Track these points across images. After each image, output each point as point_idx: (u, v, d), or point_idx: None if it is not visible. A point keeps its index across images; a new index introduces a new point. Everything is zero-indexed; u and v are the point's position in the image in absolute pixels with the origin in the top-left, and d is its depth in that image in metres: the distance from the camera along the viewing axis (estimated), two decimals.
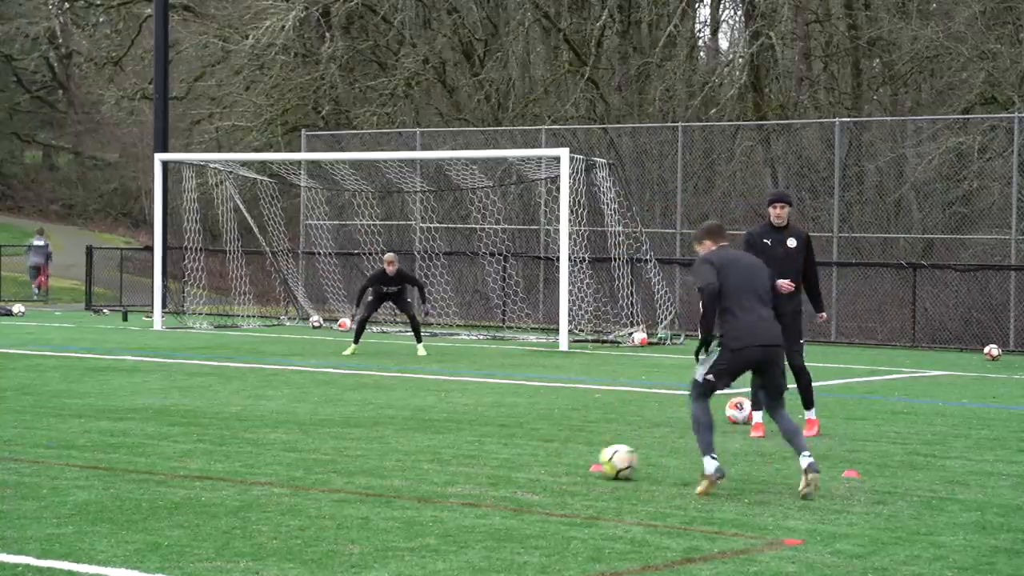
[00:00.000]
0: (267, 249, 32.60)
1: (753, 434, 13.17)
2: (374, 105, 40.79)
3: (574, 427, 13.59)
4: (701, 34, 44.24)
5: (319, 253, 32.44)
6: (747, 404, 14.06)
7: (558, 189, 26.85)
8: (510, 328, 29.86)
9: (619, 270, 27.85)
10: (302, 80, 41.63)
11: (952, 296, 27.77)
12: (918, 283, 27.52)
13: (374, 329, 28.55)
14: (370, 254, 30.96)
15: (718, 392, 10.51)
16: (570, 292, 26.10)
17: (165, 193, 30.45)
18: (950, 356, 24.99)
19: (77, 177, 65.33)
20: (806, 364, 13.37)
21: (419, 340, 23.29)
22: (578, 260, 27.31)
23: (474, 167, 30.00)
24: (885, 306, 28.51)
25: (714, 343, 10.31)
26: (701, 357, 10.32)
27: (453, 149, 32.05)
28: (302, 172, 32.89)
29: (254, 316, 31.96)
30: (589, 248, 27.97)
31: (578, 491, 10.00)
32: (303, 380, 18.22)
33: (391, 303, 23.87)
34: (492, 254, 30.22)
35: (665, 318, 27.65)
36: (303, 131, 35.58)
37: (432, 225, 31.61)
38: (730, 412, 14.07)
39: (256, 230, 32.67)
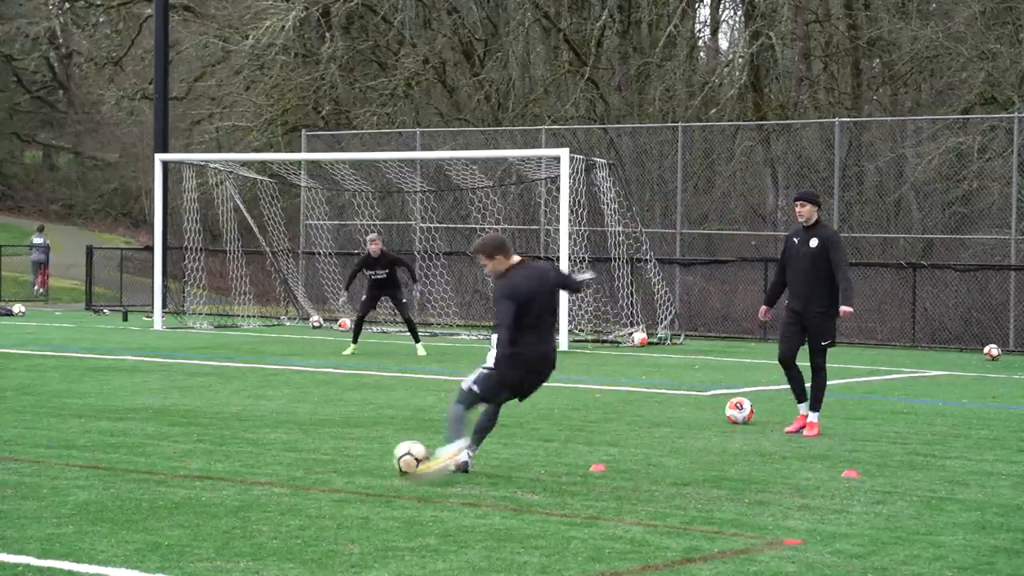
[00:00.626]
0: (267, 249, 32.61)
1: (807, 433, 13.20)
2: (374, 105, 40.80)
3: (574, 427, 13.59)
4: (701, 34, 44.27)
5: (319, 253, 32.45)
6: (747, 404, 14.08)
7: (558, 189, 26.85)
8: None
9: (619, 270, 27.86)
10: (302, 80, 41.64)
11: (952, 296, 27.77)
12: (918, 283, 27.52)
13: (374, 329, 28.56)
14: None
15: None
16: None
17: (165, 193, 30.46)
18: (950, 356, 25.00)
19: (77, 177, 65.34)
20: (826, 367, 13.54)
21: (417, 340, 23.29)
22: (578, 260, 27.31)
23: (474, 167, 30.01)
24: (885, 306, 28.51)
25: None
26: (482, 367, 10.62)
27: (453, 149, 32.05)
28: (302, 172, 32.89)
29: (254, 316, 31.96)
30: (589, 248, 27.97)
31: (578, 491, 10.00)
32: (303, 380, 18.22)
33: (387, 299, 23.73)
34: None
35: (665, 318, 27.65)
36: (303, 131, 35.58)
37: (432, 225, 31.61)
38: (730, 412, 14.08)
39: (256, 230, 32.68)
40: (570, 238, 25.94)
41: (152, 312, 30.09)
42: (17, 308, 34.22)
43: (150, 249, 33.00)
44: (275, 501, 9.43)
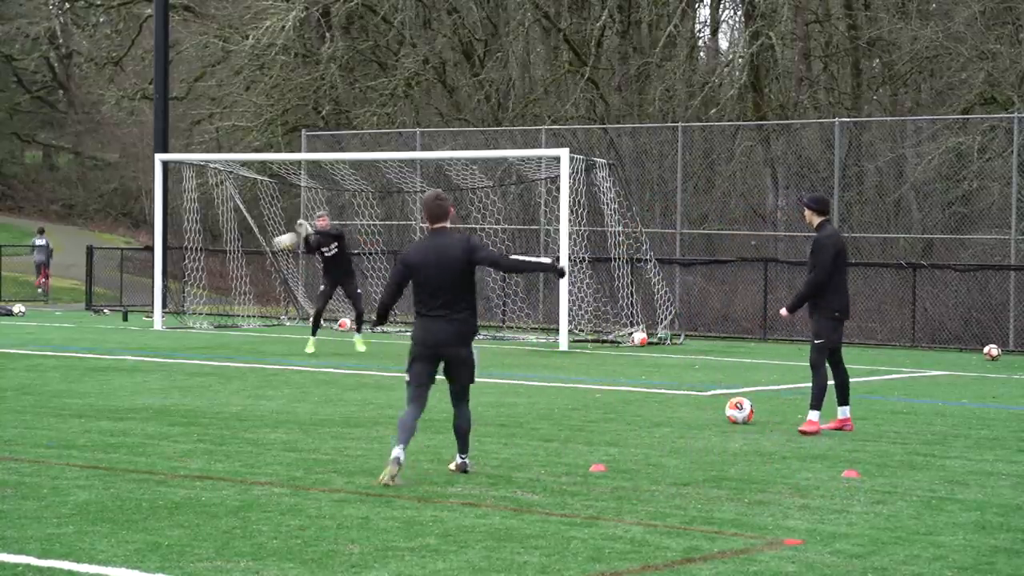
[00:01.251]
0: (267, 249, 32.61)
1: (802, 428, 13.39)
2: (374, 105, 40.80)
3: (574, 427, 13.59)
4: (701, 34, 44.25)
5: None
6: (747, 404, 14.09)
7: (558, 189, 26.85)
8: (510, 328, 29.87)
9: (619, 270, 27.86)
10: (302, 80, 41.64)
11: (952, 296, 27.77)
12: (918, 283, 27.52)
13: (374, 329, 28.54)
14: (370, 254, 30.98)
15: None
16: (570, 292, 26.11)
17: (165, 193, 30.46)
18: (950, 356, 25.00)
19: (77, 177, 65.38)
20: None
21: (359, 331, 23.24)
22: (578, 260, 27.31)
23: (474, 167, 30.01)
24: (885, 306, 28.50)
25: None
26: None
27: (453, 149, 32.05)
28: (302, 172, 32.89)
29: (254, 316, 31.96)
30: (589, 248, 27.97)
31: (578, 491, 10.00)
32: (303, 380, 18.22)
33: (340, 287, 23.40)
34: None
35: (665, 318, 27.64)
36: (303, 131, 35.58)
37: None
38: (730, 412, 14.08)
39: (256, 230, 32.68)
40: (570, 238, 25.94)
41: (152, 312, 30.09)
42: (17, 308, 34.22)
43: (150, 249, 33.00)
44: (275, 501, 9.43)
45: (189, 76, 47.78)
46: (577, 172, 27.04)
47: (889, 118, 32.95)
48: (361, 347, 23.04)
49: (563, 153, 25.85)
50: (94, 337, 26.20)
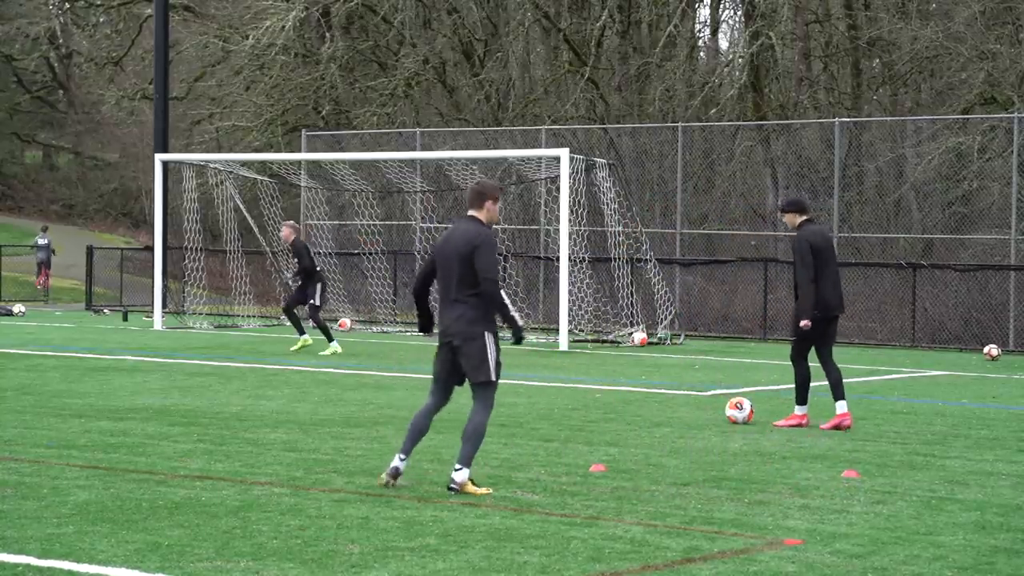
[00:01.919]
0: (267, 249, 32.60)
1: (777, 422, 13.62)
2: (374, 105, 40.80)
3: (574, 427, 13.59)
4: (701, 34, 44.26)
5: (319, 253, 32.39)
6: (747, 404, 14.09)
7: (558, 189, 26.84)
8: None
9: (619, 270, 27.86)
10: (302, 80, 41.64)
11: (952, 296, 27.77)
12: (918, 283, 27.52)
13: (374, 329, 28.54)
14: (370, 254, 30.98)
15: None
16: (570, 292, 26.10)
17: (165, 193, 30.46)
18: (950, 356, 25.00)
19: (77, 177, 65.37)
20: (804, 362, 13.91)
21: (301, 333, 23.36)
22: (578, 260, 27.31)
23: (474, 167, 30.00)
24: (885, 306, 28.51)
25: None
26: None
27: (453, 149, 32.05)
28: (302, 172, 32.89)
29: (254, 316, 31.96)
30: (589, 248, 27.96)
31: (578, 491, 10.00)
32: (303, 380, 18.22)
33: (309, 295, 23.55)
34: None
35: (665, 318, 27.64)
36: (303, 131, 35.58)
37: (432, 225, 31.61)
38: (730, 412, 14.08)
39: (256, 230, 32.68)
40: (570, 238, 25.94)
41: (152, 312, 30.09)
42: (17, 308, 34.22)
43: (150, 249, 33.00)
44: (275, 501, 9.43)
45: (189, 76, 47.78)
46: (577, 172, 27.04)
47: (889, 118, 32.95)
48: (297, 347, 23.20)
49: (563, 153, 25.85)
50: (94, 337, 26.20)
